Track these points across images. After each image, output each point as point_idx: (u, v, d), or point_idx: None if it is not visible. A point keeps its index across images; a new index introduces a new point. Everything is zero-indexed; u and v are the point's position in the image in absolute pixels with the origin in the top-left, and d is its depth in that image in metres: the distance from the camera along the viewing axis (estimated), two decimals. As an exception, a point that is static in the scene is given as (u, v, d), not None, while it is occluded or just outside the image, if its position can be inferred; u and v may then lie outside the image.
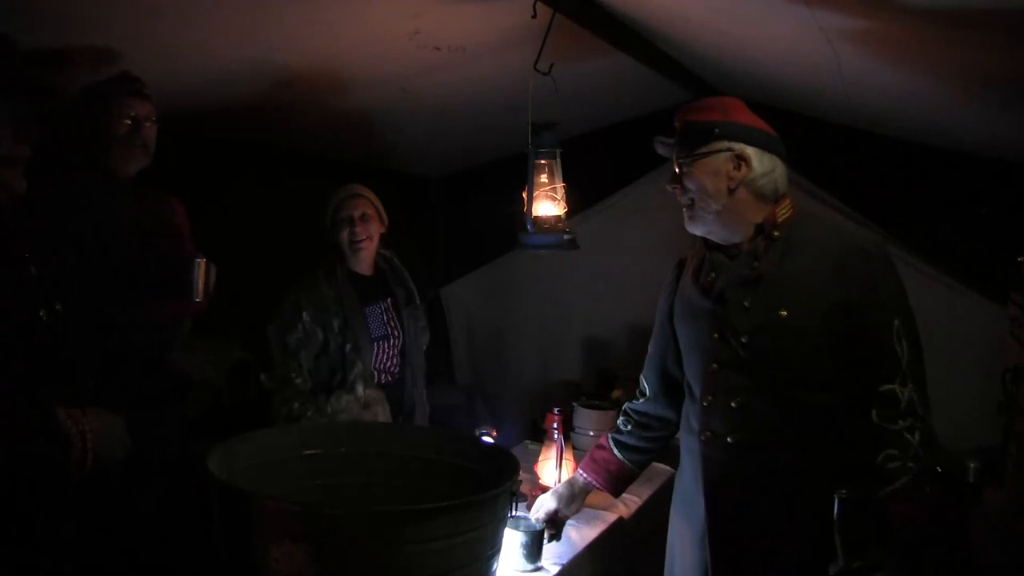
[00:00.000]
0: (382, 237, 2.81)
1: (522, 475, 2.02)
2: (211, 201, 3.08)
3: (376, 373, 2.75)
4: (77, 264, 1.88)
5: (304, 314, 2.61)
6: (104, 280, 1.99)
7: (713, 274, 1.87)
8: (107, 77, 2.17)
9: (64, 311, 1.57)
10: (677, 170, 1.85)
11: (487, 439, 2.35)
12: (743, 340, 1.78)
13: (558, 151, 2.29)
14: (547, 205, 2.30)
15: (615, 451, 2.11)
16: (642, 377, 2.15)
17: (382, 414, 2.69)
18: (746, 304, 1.78)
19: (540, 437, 2.64)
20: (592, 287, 4.21)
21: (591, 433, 3.11)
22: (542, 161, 2.29)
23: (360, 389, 2.65)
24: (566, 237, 2.30)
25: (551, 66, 2.21)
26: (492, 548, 1.57)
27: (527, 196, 2.28)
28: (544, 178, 2.29)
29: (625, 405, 2.18)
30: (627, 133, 4.11)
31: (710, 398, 1.84)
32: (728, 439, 1.81)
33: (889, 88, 2.62)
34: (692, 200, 1.83)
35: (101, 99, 2.13)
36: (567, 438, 2.48)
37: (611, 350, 4.21)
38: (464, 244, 4.62)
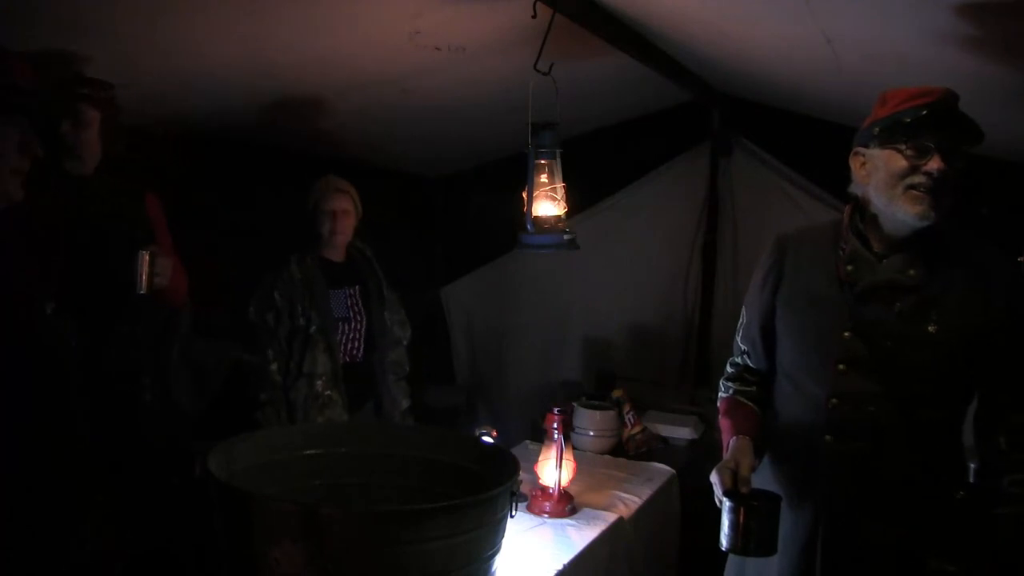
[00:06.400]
0: (356, 229, 2.98)
1: (522, 475, 2.01)
2: (211, 201, 3.09)
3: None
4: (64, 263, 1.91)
5: (275, 293, 2.77)
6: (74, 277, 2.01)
7: (851, 267, 1.76)
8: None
9: (59, 308, 1.59)
10: (948, 152, 1.66)
11: (487, 439, 2.35)
12: (883, 347, 1.71)
13: (558, 151, 2.29)
14: (547, 205, 2.30)
15: (754, 405, 1.95)
16: (740, 341, 2.01)
17: (337, 420, 2.80)
18: (894, 311, 1.70)
19: (540, 437, 2.63)
20: (592, 287, 4.21)
21: (591, 433, 3.10)
22: (542, 161, 2.28)
23: (319, 384, 2.78)
24: (566, 237, 2.30)
25: (551, 66, 2.20)
26: (492, 548, 1.57)
27: (527, 196, 2.28)
28: (544, 178, 2.29)
29: (734, 371, 2.03)
30: (627, 133, 4.11)
31: (835, 401, 1.75)
32: (855, 446, 1.72)
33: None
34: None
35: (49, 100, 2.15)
36: (567, 438, 2.47)
37: (611, 350, 4.21)
38: (464, 244, 4.62)
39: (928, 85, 1.68)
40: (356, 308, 2.94)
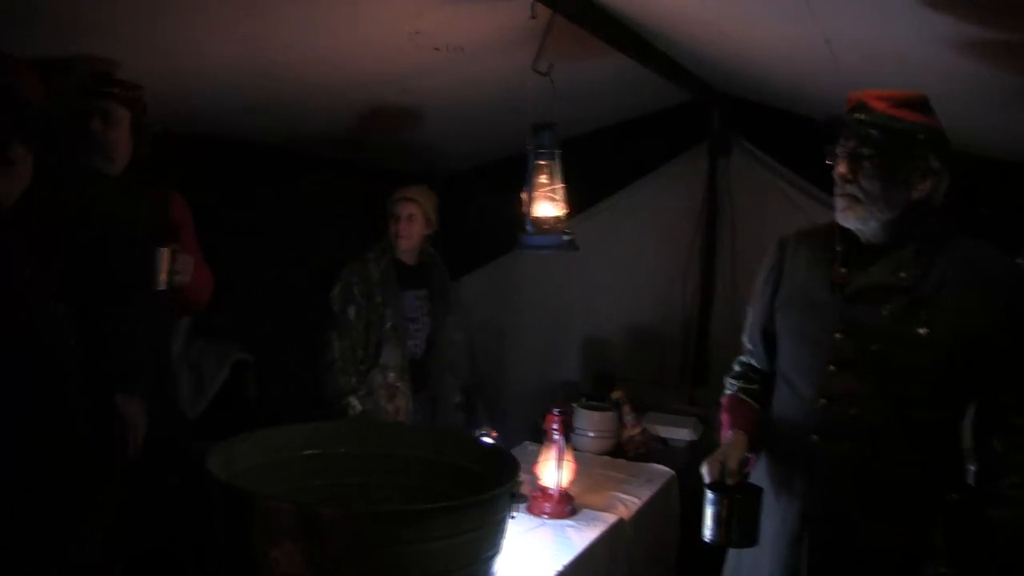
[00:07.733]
0: (427, 236, 3.23)
1: (522, 475, 2.01)
2: (210, 202, 3.08)
3: None
4: (71, 261, 1.92)
5: (355, 289, 3.05)
6: (89, 276, 2.01)
7: (844, 270, 1.79)
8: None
9: (64, 308, 1.59)
10: (859, 158, 1.71)
11: (487, 439, 2.35)
12: (873, 348, 1.72)
13: (557, 152, 2.29)
14: (547, 206, 2.30)
15: (755, 403, 1.97)
16: (746, 340, 2.04)
17: (403, 408, 3.08)
18: (884, 313, 1.71)
19: (540, 437, 2.63)
20: (592, 287, 4.21)
21: (591, 434, 3.10)
22: (542, 162, 2.29)
23: (391, 376, 3.03)
24: (566, 238, 2.30)
25: (550, 66, 2.20)
26: (492, 548, 1.57)
27: (527, 197, 2.28)
28: (544, 179, 2.30)
29: (740, 368, 2.06)
30: (627, 133, 4.11)
31: (824, 401, 1.76)
32: (842, 446, 1.73)
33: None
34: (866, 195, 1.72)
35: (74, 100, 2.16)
36: (567, 439, 2.47)
37: (611, 350, 4.20)
38: (464, 244, 4.61)
39: (868, 90, 1.75)
40: (423, 311, 3.20)
